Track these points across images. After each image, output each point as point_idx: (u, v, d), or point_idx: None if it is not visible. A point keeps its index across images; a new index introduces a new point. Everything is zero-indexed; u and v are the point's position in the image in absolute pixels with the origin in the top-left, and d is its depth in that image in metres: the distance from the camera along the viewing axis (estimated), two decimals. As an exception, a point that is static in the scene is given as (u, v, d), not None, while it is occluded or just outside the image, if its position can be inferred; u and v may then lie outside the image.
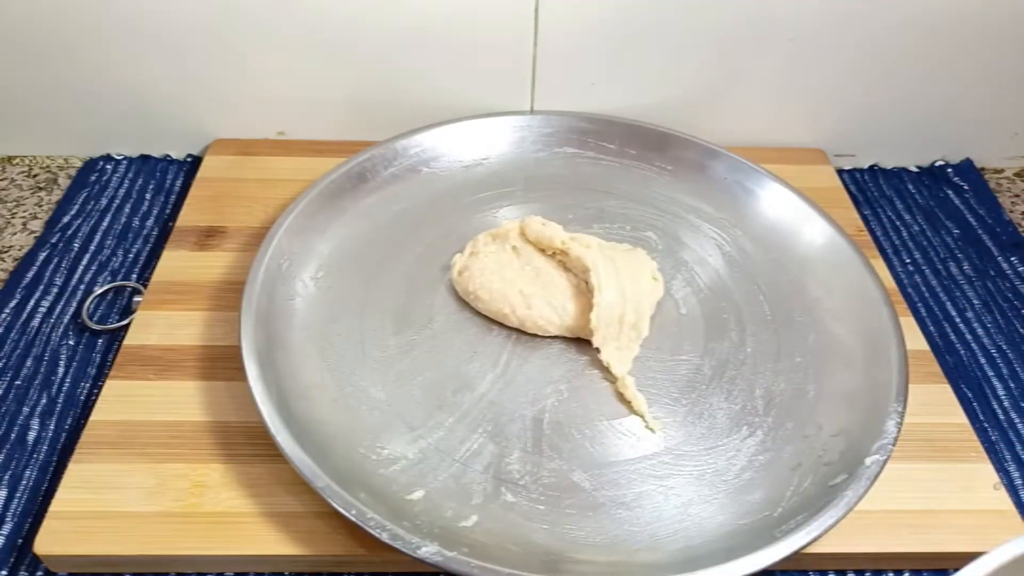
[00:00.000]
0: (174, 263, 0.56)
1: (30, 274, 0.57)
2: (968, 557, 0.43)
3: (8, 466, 0.46)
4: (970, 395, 0.52)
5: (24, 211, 0.64)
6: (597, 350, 0.49)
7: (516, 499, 0.43)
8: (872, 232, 0.63)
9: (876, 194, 0.67)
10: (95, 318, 0.54)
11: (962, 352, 0.55)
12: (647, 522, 0.42)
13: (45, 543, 0.41)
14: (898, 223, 0.64)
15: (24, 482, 0.45)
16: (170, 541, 0.41)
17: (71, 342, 0.53)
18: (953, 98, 0.67)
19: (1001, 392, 0.52)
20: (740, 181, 0.60)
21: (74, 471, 0.44)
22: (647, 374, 0.49)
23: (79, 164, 0.68)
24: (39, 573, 0.42)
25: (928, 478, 0.45)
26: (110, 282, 0.57)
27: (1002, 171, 0.71)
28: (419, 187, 0.60)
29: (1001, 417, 0.51)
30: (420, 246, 0.56)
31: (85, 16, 0.60)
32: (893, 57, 0.64)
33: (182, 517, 0.42)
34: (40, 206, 0.64)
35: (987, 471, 0.46)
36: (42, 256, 0.58)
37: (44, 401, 0.49)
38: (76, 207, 0.63)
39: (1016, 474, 0.48)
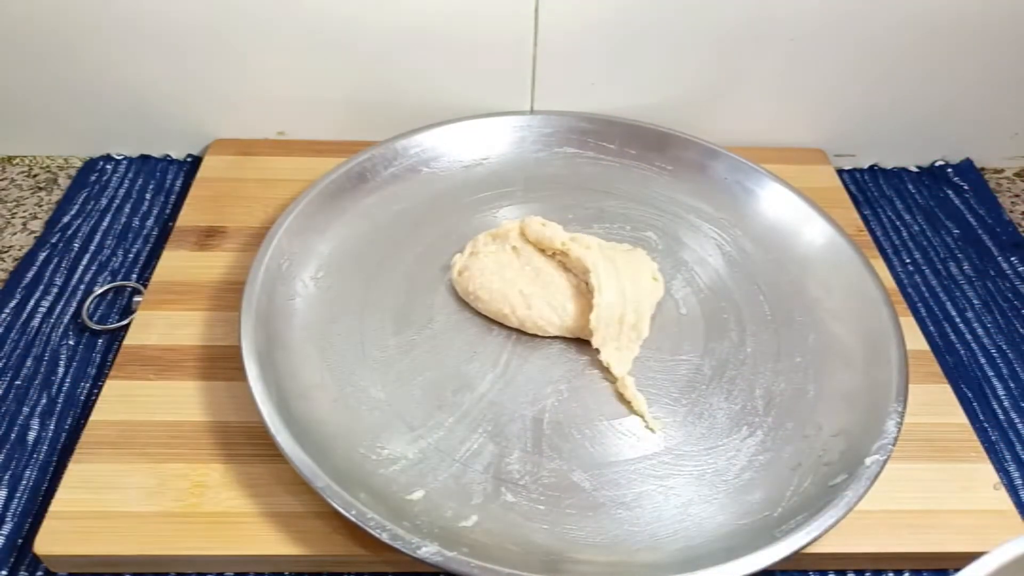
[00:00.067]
0: (174, 263, 0.56)
1: (30, 274, 0.57)
2: (968, 557, 0.43)
3: (8, 466, 0.46)
4: (970, 395, 0.52)
5: (24, 211, 0.64)
6: (597, 350, 0.49)
7: (516, 499, 0.43)
8: (872, 232, 0.63)
9: (876, 194, 0.67)
10: (95, 318, 0.54)
11: (962, 352, 0.55)
12: (647, 522, 0.42)
13: (45, 543, 0.41)
14: (898, 223, 0.65)
15: (24, 482, 0.45)
16: (170, 541, 0.41)
17: (71, 342, 0.53)
18: (953, 98, 0.67)
19: (1001, 392, 0.52)
20: (740, 181, 0.60)
21: (74, 471, 0.44)
22: (647, 374, 0.49)
23: (79, 164, 0.68)
24: (39, 573, 0.42)
25: (928, 478, 0.45)
26: (110, 282, 0.57)
27: (1002, 171, 0.71)
28: (419, 187, 0.60)
29: (1001, 417, 0.51)
30: (420, 246, 0.56)
31: (85, 16, 0.60)
32: (893, 57, 0.64)
33: (182, 517, 0.42)
34: (40, 206, 0.64)
35: (987, 471, 0.46)
36: (42, 256, 0.58)
37: (44, 401, 0.49)
38: (76, 207, 0.63)
39: (1016, 474, 0.48)
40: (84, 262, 0.58)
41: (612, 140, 0.63)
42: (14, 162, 0.68)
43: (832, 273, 0.54)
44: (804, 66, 0.64)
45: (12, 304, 0.55)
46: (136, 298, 0.54)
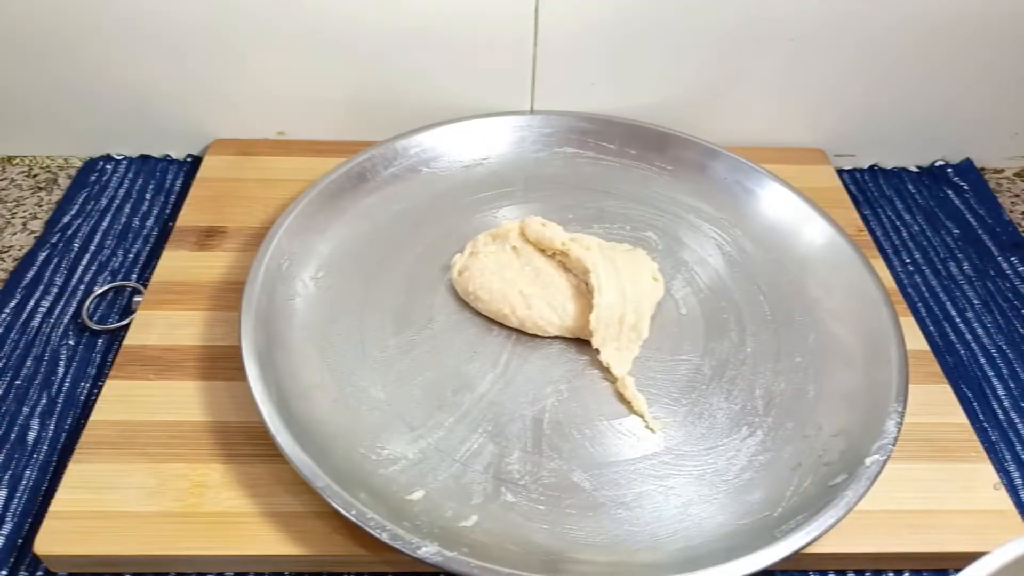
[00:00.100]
0: (174, 263, 0.56)
1: (30, 274, 0.57)
2: (968, 557, 0.43)
3: (8, 466, 0.46)
4: (970, 395, 0.52)
5: (24, 211, 0.64)
6: (597, 351, 0.49)
7: (516, 499, 0.43)
8: (872, 232, 0.63)
9: (876, 194, 0.67)
10: (95, 318, 0.54)
11: (962, 352, 0.55)
12: (647, 522, 0.42)
13: (45, 543, 0.41)
14: (898, 223, 0.65)
15: (24, 482, 0.45)
16: (170, 541, 0.41)
17: (71, 342, 0.53)
18: (953, 98, 0.67)
19: (1001, 392, 0.52)
20: (740, 181, 0.60)
21: (74, 471, 0.44)
22: (647, 374, 0.49)
23: (79, 164, 0.68)
24: (39, 573, 0.42)
25: (928, 478, 0.45)
26: (110, 282, 0.57)
27: (1002, 171, 0.71)
28: (419, 187, 0.60)
29: (1001, 417, 0.51)
30: (420, 246, 0.56)
31: (85, 16, 0.60)
32: (893, 57, 0.64)
33: (182, 517, 0.42)
34: (40, 206, 0.64)
35: (987, 471, 0.46)
36: (42, 256, 0.58)
37: (44, 401, 0.49)
38: (76, 207, 0.63)
39: (1016, 474, 0.48)
40: (84, 262, 0.58)
41: (612, 140, 0.63)
42: (14, 162, 0.68)
43: (832, 273, 0.54)
44: (804, 66, 0.64)
45: (12, 304, 0.55)
46: (136, 298, 0.54)
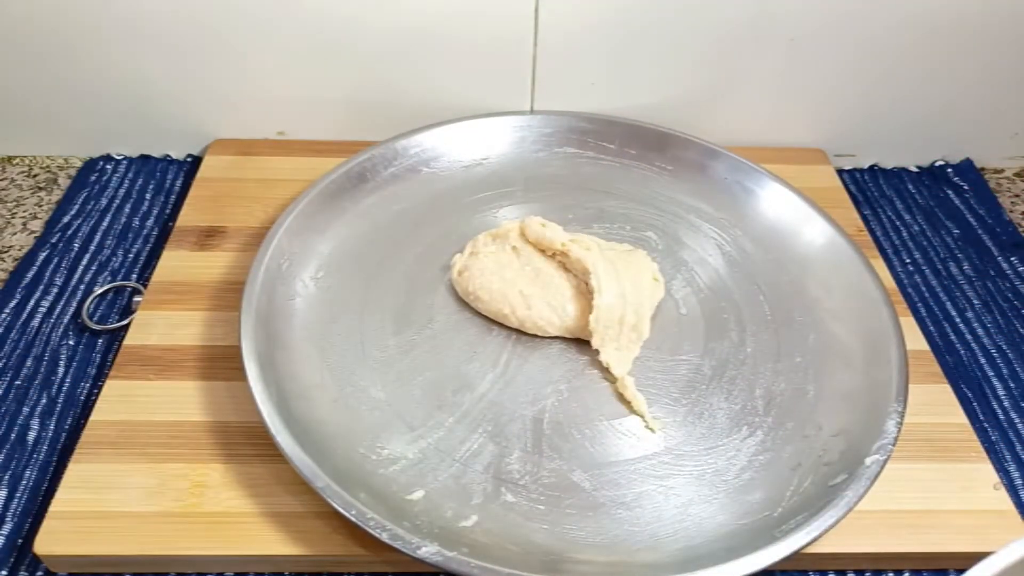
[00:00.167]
0: (174, 263, 0.56)
1: (30, 274, 0.57)
2: (968, 557, 0.43)
3: (8, 466, 0.46)
4: (970, 395, 0.52)
5: (24, 211, 0.64)
6: (597, 351, 0.49)
7: (516, 499, 0.43)
8: (872, 232, 0.63)
9: (876, 194, 0.67)
10: (95, 318, 0.54)
11: (962, 352, 0.55)
12: (647, 522, 0.42)
13: (45, 543, 0.41)
14: (898, 223, 0.65)
15: (24, 482, 0.45)
16: (170, 541, 0.41)
17: (71, 342, 0.53)
18: (953, 98, 0.67)
19: (1001, 392, 0.52)
20: (740, 181, 0.60)
21: (74, 471, 0.44)
22: (647, 374, 0.49)
23: (79, 164, 0.68)
24: (39, 573, 0.42)
25: (928, 478, 0.45)
26: (110, 282, 0.57)
27: (1002, 171, 0.71)
28: (419, 187, 0.60)
29: (1001, 417, 0.51)
30: (420, 246, 0.56)
31: (85, 16, 0.60)
32: (893, 57, 0.64)
33: (182, 517, 0.42)
34: (40, 206, 0.64)
35: (987, 471, 0.46)
36: (42, 256, 0.58)
37: (44, 401, 0.49)
38: (76, 207, 0.63)
39: (1016, 474, 0.48)
40: (84, 262, 0.58)
41: (612, 140, 0.63)
42: (14, 162, 0.68)
43: (832, 273, 0.54)
44: (804, 66, 0.64)
45: (12, 304, 0.55)
46: (136, 298, 0.54)
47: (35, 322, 0.54)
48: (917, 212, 0.66)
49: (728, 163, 0.60)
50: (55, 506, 0.42)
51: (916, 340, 0.53)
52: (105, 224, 0.61)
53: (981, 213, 0.65)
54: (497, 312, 0.51)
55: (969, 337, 0.56)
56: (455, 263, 0.53)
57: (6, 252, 0.60)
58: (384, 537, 0.38)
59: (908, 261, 0.61)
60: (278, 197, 0.61)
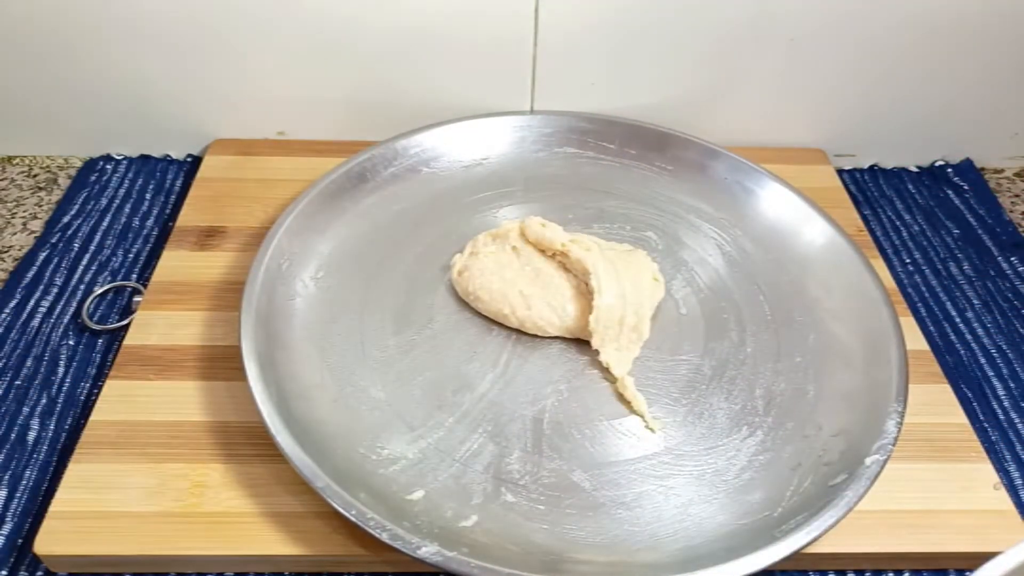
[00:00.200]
0: (174, 263, 0.56)
1: (30, 274, 0.57)
2: (968, 557, 0.43)
3: (8, 466, 0.46)
4: (970, 395, 0.52)
5: (24, 211, 0.64)
6: (597, 351, 0.49)
7: (516, 499, 0.43)
8: (872, 232, 0.63)
9: (876, 194, 0.67)
10: (95, 318, 0.54)
11: (962, 352, 0.55)
12: (647, 522, 0.42)
13: (45, 543, 0.41)
14: (898, 223, 0.65)
15: (24, 482, 0.45)
16: (170, 541, 0.41)
17: (71, 342, 0.53)
18: (953, 98, 0.67)
19: (1001, 392, 0.52)
20: (740, 181, 0.60)
21: (74, 471, 0.44)
22: (647, 374, 0.49)
23: (79, 164, 0.68)
24: (39, 573, 0.42)
25: (928, 478, 0.45)
26: (110, 282, 0.57)
27: (1002, 171, 0.71)
28: (419, 187, 0.60)
29: (1001, 417, 0.51)
30: (420, 246, 0.56)
31: (85, 16, 0.60)
32: (893, 57, 0.64)
33: (182, 517, 0.42)
34: (40, 206, 0.64)
35: (987, 471, 0.46)
36: (42, 256, 0.58)
37: (44, 401, 0.49)
38: (76, 207, 0.63)
39: (1016, 474, 0.48)
40: (84, 262, 0.58)
41: (612, 140, 0.63)
42: (14, 162, 0.68)
43: (832, 273, 0.54)
44: (804, 66, 0.64)
45: (12, 304, 0.55)
46: (136, 298, 0.54)
47: (35, 322, 0.54)
48: (917, 212, 0.66)
49: (728, 163, 0.60)
50: (55, 506, 0.42)
51: (916, 340, 0.53)
52: (105, 224, 0.61)
53: (981, 213, 0.65)
54: (497, 312, 0.51)
55: (969, 337, 0.56)
56: (455, 263, 0.53)
57: (6, 252, 0.60)
58: (384, 537, 0.38)
59: (908, 261, 0.61)
60: (278, 197, 0.61)
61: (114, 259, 0.59)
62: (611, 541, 0.41)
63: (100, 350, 0.53)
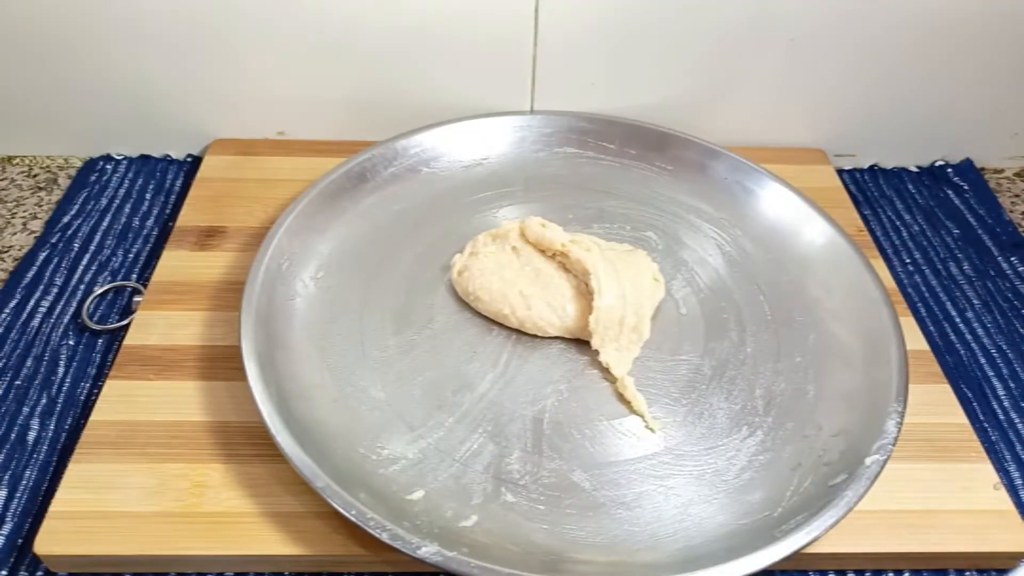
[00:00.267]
0: (174, 263, 0.56)
1: (30, 274, 0.57)
2: (968, 557, 0.43)
3: (8, 466, 0.46)
4: (970, 395, 0.52)
5: (24, 211, 0.64)
6: (597, 351, 0.49)
7: (516, 499, 0.43)
8: (872, 232, 0.63)
9: (876, 194, 0.67)
10: (95, 318, 0.54)
11: (962, 352, 0.55)
12: (647, 522, 0.42)
13: (45, 543, 0.41)
14: (898, 223, 0.65)
15: (24, 482, 0.45)
16: (170, 541, 0.41)
17: (71, 342, 0.53)
18: (953, 98, 0.67)
19: (1001, 392, 0.52)
20: (740, 181, 0.60)
21: (74, 471, 0.44)
22: (647, 374, 0.49)
23: (79, 164, 0.68)
24: (39, 573, 0.42)
25: (928, 478, 0.45)
26: (110, 282, 0.57)
27: (1002, 171, 0.71)
28: (419, 187, 0.60)
29: (1001, 417, 0.51)
30: (420, 246, 0.56)
31: (85, 16, 0.60)
32: (893, 57, 0.64)
33: (182, 517, 0.42)
34: (40, 206, 0.64)
35: (987, 471, 0.46)
36: (42, 256, 0.58)
37: (44, 401, 0.49)
38: (76, 207, 0.63)
39: (1016, 474, 0.48)
40: (84, 262, 0.58)
41: (612, 140, 0.63)
42: (14, 162, 0.68)
43: (832, 273, 0.54)
44: (804, 66, 0.64)
45: (12, 304, 0.55)
46: (136, 298, 0.54)
47: (35, 322, 0.54)
48: (917, 212, 0.66)
49: (728, 163, 0.60)
50: (55, 506, 0.42)
51: (916, 340, 0.53)
52: (105, 224, 0.61)
53: (981, 213, 0.65)
54: (497, 312, 0.51)
55: (969, 337, 0.56)
56: (455, 263, 0.53)
57: (6, 252, 0.60)
58: (384, 537, 0.38)
59: (908, 261, 0.61)
60: (278, 197, 0.61)
61: (114, 259, 0.59)
62: (611, 541, 0.41)
63: (100, 350, 0.53)
